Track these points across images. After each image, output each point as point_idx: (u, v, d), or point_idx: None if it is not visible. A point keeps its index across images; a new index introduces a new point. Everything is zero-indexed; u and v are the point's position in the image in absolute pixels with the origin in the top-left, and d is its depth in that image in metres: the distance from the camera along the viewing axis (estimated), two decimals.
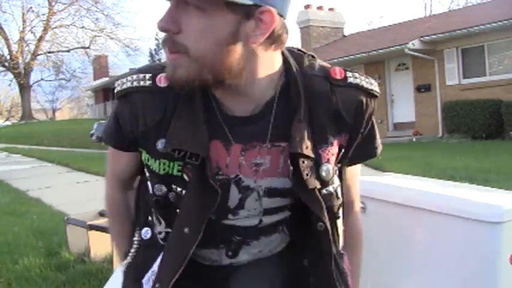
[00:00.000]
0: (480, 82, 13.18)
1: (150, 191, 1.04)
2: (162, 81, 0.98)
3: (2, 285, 3.32)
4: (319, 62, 1.04)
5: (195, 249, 0.97)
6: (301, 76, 0.98)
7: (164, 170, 0.99)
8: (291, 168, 0.95)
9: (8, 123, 42.60)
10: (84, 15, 33.10)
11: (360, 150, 1.06)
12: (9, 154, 15.76)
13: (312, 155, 0.96)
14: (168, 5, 0.90)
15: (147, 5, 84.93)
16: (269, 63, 0.95)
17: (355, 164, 1.11)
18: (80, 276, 3.33)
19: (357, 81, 1.02)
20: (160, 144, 0.98)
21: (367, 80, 1.04)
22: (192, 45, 0.87)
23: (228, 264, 1.08)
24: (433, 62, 14.03)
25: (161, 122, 0.97)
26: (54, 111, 55.91)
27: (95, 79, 38.49)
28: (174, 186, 1.00)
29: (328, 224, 1.00)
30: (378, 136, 1.09)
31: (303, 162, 0.95)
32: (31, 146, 18.57)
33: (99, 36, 33.51)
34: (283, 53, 1.00)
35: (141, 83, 0.99)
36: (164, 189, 1.01)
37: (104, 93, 35.85)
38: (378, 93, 1.04)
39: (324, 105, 0.98)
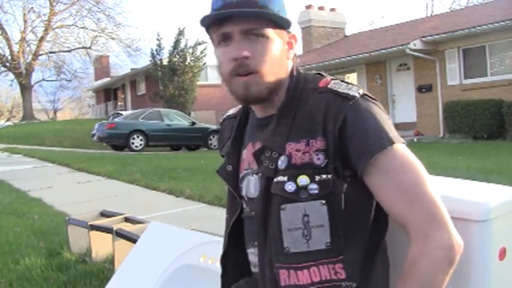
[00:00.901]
0: (481, 82, 13.16)
1: None
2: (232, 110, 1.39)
3: (3, 286, 3.32)
4: (323, 76, 1.18)
5: (246, 251, 1.25)
6: (299, 87, 1.17)
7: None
8: (262, 156, 1.15)
9: (9, 123, 42.65)
10: (85, 15, 33.22)
11: (354, 150, 1.06)
12: (11, 154, 15.77)
13: (271, 147, 1.13)
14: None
15: (149, 5, 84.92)
16: (288, 75, 1.19)
17: (361, 166, 1.05)
18: (81, 277, 3.33)
19: (335, 86, 1.12)
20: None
21: (347, 86, 1.12)
22: (263, 64, 1.12)
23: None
24: (434, 62, 14.03)
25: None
26: (55, 111, 55.98)
27: (96, 79, 38.51)
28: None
29: (258, 209, 1.14)
30: (374, 130, 1.05)
31: (267, 152, 1.14)
32: (32, 146, 18.59)
33: (100, 36, 33.61)
34: (292, 69, 1.20)
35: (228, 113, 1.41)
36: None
37: (105, 93, 35.85)
38: (351, 96, 1.08)
39: (303, 109, 1.13)
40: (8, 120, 50.79)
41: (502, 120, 11.97)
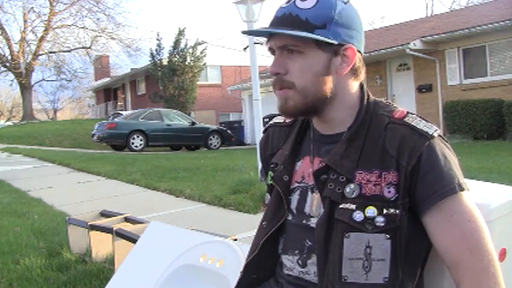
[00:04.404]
0: (481, 82, 13.17)
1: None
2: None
3: (3, 286, 3.32)
4: (394, 106, 1.18)
5: (279, 255, 1.24)
6: (369, 111, 1.16)
7: (269, 180, 1.29)
8: (324, 177, 1.13)
9: (9, 123, 42.65)
10: (85, 15, 33.18)
11: (423, 189, 1.06)
12: (11, 154, 15.77)
13: (339, 170, 1.11)
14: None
15: (149, 5, 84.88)
16: (351, 93, 1.17)
17: (426, 206, 1.07)
18: (81, 277, 3.33)
19: (412, 121, 1.11)
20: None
21: (427, 124, 1.11)
22: (297, 80, 1.12)
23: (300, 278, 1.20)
24: (434, 62, 14.03)
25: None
26: (55, 111, 56.01)
27: (96, 79, 38.51)
28: (270, 194, 1.29)
29: (320, 234, 1.12)
30: (447, 173, 1.06)
31: (332, 175, 1.12)
32: (32, 146, 18.60)
33: (100, 36, 33.57)
34: (362, 89, 1.19)
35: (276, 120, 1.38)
36: (268, 197, 1.31)
37: (105, 93, 35.86)
38: (430, 135, 1.08)
39: (376, 138, 1.11)
40: (8, 120, 50.82)
41: (502, 120, 11.97)
